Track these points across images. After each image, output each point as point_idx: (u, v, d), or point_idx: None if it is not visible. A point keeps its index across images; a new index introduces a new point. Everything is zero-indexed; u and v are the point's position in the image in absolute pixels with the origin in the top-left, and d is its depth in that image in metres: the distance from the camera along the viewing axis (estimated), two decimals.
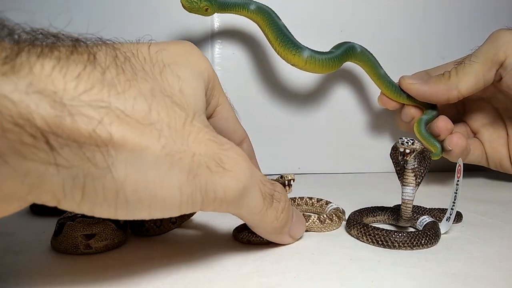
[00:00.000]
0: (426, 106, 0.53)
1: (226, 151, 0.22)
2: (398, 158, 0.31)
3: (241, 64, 0.57)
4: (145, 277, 0.25)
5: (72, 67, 0.18)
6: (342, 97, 0.61)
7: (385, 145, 0.61)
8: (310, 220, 0.33)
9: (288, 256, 0.28)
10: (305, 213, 0.33)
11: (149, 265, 0.27)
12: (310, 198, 0.40)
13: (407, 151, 0.30)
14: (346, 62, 0.51)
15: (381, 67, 0.52)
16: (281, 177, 0.34)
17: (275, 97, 0.58)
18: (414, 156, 0.31)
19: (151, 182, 0.19)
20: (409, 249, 0.30)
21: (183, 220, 0.35)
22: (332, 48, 0.50)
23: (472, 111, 0.56)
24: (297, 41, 0.46)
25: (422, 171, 0.32)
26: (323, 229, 0.33)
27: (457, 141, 0.49)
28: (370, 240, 0.30)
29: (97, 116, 0.18)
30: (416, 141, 0.30)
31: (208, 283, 0.24)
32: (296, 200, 0.40)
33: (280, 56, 0.46)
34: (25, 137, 0.16)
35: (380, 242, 0.30)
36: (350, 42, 0.50)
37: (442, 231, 0.32)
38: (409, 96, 0.52)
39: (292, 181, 0.34)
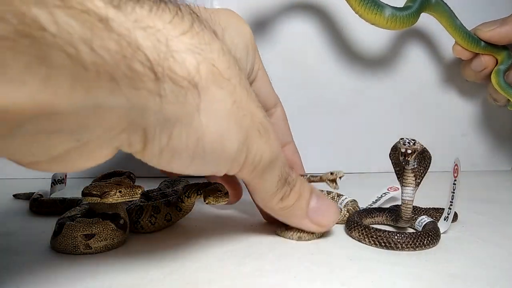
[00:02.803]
0: (500, 54, 0.51)
1: (268, 120, 0.23)
2: (398, 158, 0.31)
3: None
4: (144, 277, 0.25)
5: (165, 13, 0.19)
6: (341, 97, 0.61)
7: (385, 145, 0.61)
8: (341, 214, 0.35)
9: (288, 256, 0.28)
10: None
11: (149, 265, 0.27)
12: (321, 191, 0.40)
13: (409, 151, 0.30)
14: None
15: (456, 17, 0.51)
16: (332, 173, 0.35)
17: None
18: (415, 156, 0.30)
19: (224, 133, 0.20)
20: (412, 250, 0.30)
21: (178, 218, 0.35)
22: (408, 2, 0.48)
23: None
24: None
25: (422, 171, 0.32)
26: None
27: None
28: (372, 242, 0.30)
29: (194, 59, 0.19)
30: (417, 141, 0.30)
31: (207, 283, 0.24)
32: None
33: (360, 16, 0.45)
34: (136, 64, 0.17)
35: (382, 244, 0.30)
36: None
37: (440, 231, 0.32)
38: (486, 45, 0.51)
39: (340, 178, 0.35)
